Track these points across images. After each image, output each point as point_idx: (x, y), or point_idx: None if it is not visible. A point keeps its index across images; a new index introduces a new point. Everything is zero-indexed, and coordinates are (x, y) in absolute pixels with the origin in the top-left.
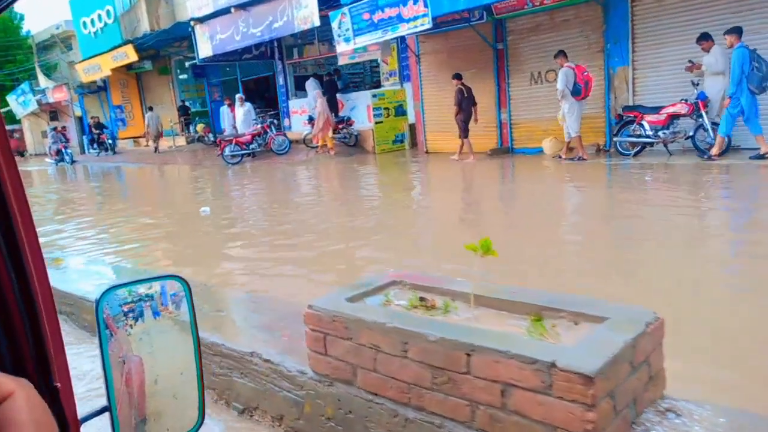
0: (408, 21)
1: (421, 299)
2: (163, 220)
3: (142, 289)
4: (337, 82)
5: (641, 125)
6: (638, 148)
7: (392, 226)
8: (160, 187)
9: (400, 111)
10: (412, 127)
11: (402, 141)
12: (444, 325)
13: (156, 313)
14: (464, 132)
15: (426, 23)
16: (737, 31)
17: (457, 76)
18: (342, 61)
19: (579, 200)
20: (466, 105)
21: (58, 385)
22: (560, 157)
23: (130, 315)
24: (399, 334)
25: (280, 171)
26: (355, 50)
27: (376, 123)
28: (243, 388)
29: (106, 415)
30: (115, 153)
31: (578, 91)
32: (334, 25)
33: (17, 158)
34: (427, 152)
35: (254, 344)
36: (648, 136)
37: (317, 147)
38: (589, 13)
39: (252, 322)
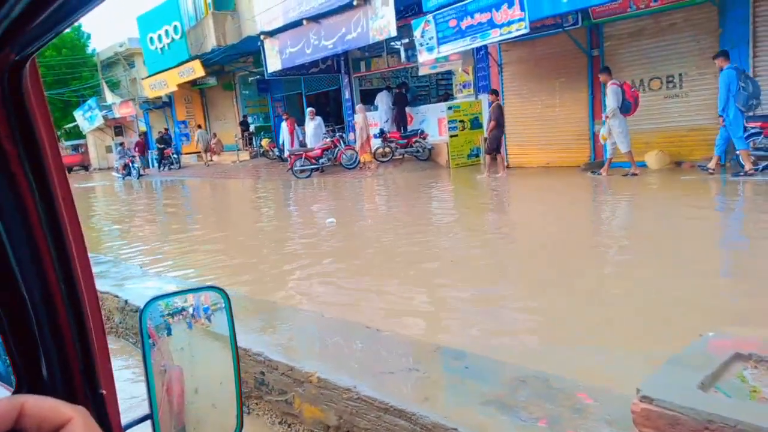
0: (500, 26)
1: None
2: (297, 238)
3: (179, 301)
4: (406, 95)
5: None
6: (767, 163)
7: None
8: (247, 204)
9: (476, 124)
10: None
11: (477, 155)
12: None
13: (190, 325)
14: (498, 148)
15: (522, 28)
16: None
17: (494, 92)
18: (423, 72)
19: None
20: (503, 121)
21: (104, 392)
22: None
23: (168, 326)
24: None
25: (353, 186)
26: (436, 60)
27: (451, 136)
28: None
29: (148, 422)
30: (180, 167)
31: (628, 108)
32: (417, 33)
33: (82, 173)
34: (508, 167)
35: None
36: None
37: (360, 165)
38: (702, 15)
39: (476, 392)
